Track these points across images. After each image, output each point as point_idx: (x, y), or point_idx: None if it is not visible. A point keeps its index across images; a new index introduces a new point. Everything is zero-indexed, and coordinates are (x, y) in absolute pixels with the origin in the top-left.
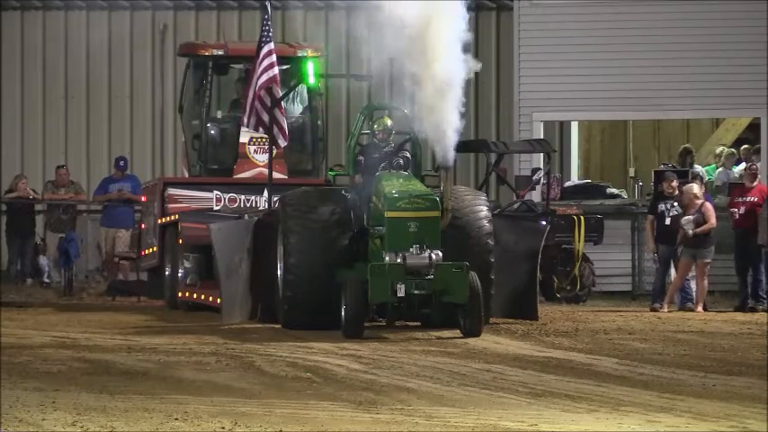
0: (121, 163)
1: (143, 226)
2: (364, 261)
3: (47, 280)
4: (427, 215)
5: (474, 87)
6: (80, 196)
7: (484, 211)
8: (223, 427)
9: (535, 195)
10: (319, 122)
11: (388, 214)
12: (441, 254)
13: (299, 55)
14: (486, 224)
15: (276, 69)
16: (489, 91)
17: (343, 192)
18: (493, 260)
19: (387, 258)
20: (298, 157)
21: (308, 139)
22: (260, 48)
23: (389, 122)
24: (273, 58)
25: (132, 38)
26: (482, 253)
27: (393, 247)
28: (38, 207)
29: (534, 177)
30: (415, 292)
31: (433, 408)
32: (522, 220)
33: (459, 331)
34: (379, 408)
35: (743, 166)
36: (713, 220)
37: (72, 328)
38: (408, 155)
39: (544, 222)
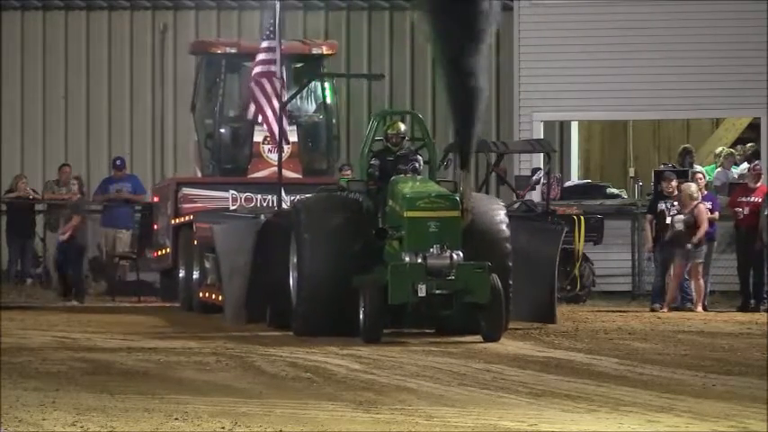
0: (118, 162)
1: (155, 226)
2: (381, 265)
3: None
4: (448, 215)
5: None
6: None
7: (501, 215)
8: (223, 427)
9: (535, 195)
10: (334, 121)
11: (407, 214)
12: (461, 254)
13: (314, 53)
14: (504, 228)
15: (274, 67)
16: (489, 91)
17: (355, 196)
18: (511, 264)
19: (407, 259)
20: (312, 156)
21: (322, 138)
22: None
23: (403, 127)
24: (272, 55)
25: (132, 38)
26: (500, 257)
27: (413, 247)
28: (38, 207)
29: (534, 177)
30: (437, 292)
31: (433, 408)
32: (539, 222)
33: (471, 336)
34: (379, 408)
35: (746, 165)
36: (705, 225)
37: (72, 328)
38: (423, 160)
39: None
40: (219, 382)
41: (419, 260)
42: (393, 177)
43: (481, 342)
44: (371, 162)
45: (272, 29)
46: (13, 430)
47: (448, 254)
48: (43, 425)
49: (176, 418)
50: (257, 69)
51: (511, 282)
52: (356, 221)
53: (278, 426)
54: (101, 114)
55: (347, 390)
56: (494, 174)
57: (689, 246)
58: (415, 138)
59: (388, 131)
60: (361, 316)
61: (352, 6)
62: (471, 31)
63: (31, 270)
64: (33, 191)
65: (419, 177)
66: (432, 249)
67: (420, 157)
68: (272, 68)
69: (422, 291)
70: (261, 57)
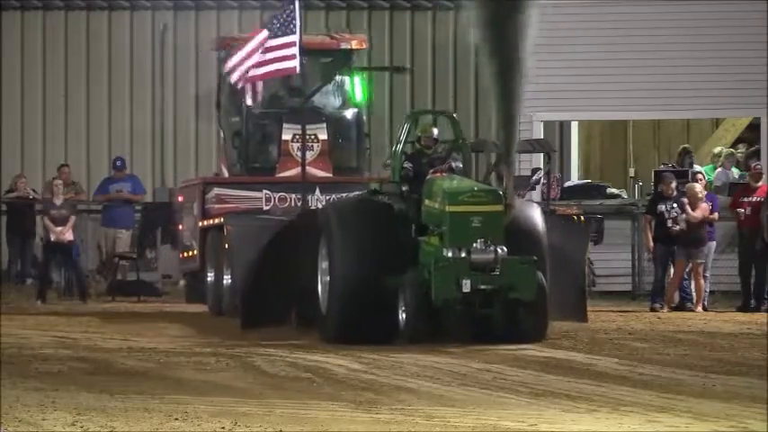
0: (118, 163)
1: (180, 227)
2: (415, 267)
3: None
4: (491, 209)
5: (474, 87)
6: (80, 196)
7: (534, 203)
8: (223, 427)
9: (535, 195)
10: (364, 117)
11: (450, 209)
12: (505, 249)
13: (342, 47)
14: (537, 213)
15: (286, 64)
16: (489, 90)
17: (387, 199)
18: (545, 249)
19: (450, 254)
20: (342, 154)
21: (352, 135)
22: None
23: (435, 131)
24: (294, 50)
25: (132, 38)
26: (534, 240)
27: (455, 242)
28: (38, 207)
29: (534, 177)
30: (482, 287)
31: (432, 408)
32: (566, 219)
33: (507, 336)
34: (379, 408)
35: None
36: (694, 214)
37: (72, 328)
38: (459, 162)
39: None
40: (219, 382)
41: (463, 255)
42: (428, 177)
43: (523, 350)
44: (404, 165)
45: (278, 25)
46: (13, 430)
47: (492, 248)
48: (43, 425)
49: (176, 418)
50: (272, 68)
51: (547, 268)
52: (389, 225)
53: (278, 426)
54: (101, 114)
55: (347, 390)
56: (494, 174)
57: (676, 228)
58: (447, 140)
59: (420, 135)
60: (401, 317)
61: (353, 6)
62: (519, 24)
63: (31, 270)
64: (33, 191)
65: (455, 177)
66: (475, 244)
67: (458, 159)
68: (283, 66)
69: (466, 286)
70: (278, 53)
